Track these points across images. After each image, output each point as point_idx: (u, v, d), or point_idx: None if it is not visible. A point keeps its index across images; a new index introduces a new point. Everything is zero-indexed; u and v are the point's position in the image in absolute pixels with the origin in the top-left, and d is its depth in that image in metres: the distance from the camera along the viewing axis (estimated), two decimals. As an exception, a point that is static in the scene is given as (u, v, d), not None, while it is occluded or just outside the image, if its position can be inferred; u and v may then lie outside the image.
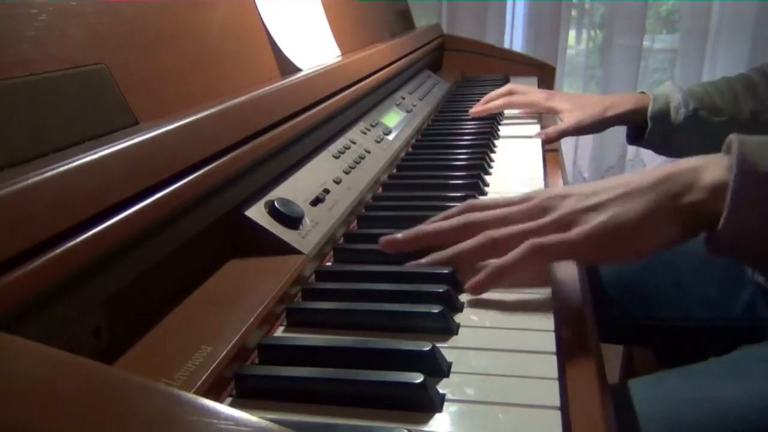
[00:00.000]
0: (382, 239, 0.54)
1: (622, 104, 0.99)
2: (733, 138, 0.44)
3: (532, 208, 0.51)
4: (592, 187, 0.50)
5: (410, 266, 0.52)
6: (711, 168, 0.45)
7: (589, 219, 0.47)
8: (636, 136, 1.02)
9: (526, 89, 1.12)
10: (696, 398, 0.63)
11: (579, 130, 1.01)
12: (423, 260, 0.52)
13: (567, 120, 1.01)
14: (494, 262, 0.48)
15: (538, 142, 0.97)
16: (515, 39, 1.99)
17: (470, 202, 0.56)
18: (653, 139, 0.98)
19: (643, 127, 0.98)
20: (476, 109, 1.14)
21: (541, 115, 1.13)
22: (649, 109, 0.96)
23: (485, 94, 1.14)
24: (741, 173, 0.42)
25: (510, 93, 1.12)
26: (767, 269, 0.48)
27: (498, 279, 0.47)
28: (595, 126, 1.00)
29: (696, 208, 0.45)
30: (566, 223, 0.48)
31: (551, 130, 1.01)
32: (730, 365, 0.68)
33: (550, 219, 0.49)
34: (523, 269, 0.47)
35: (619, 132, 1.08)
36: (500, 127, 1.08)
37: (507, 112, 1.20)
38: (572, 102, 1.04)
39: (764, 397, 0.62)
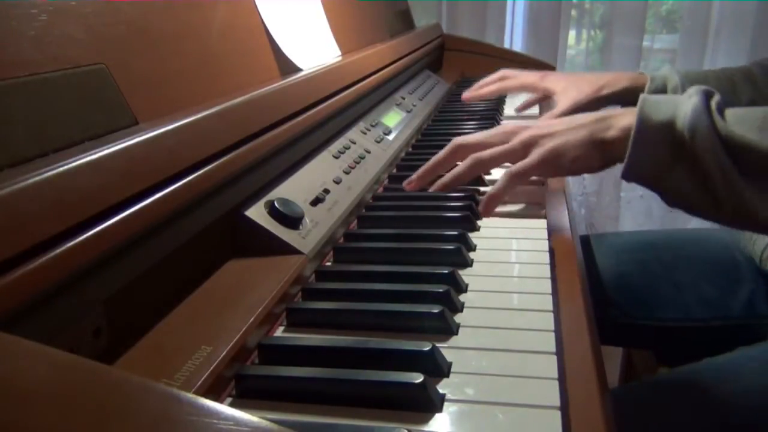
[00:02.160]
0: (405, 182, 0.70)
1: (618, 82, 0.97)
2: (641, 95, 0.58)
3: (504, 134, 0.66)
4: (547, 121, 0.65)
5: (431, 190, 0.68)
6: (626, 115, 0.59)
7: (544, 143, 0.62)
8: None
9: (518, 73, 1.10)
10: (695, 398, 0.63)
11: (575, 111, 0.97)
12: (431, 188, 0.67)
13: (562, 102, 0.98)
14: (488, 194, 0.64)
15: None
16: (515, 39, 1.98)
17: (456, 138, 0.70)
18: None
19: None
20: (468, 94, 1.13)
21: (541, 117, 1.13)
22: (646, 88, 0.94)
23: (485, 94, 1.13)
24: (639, 120, 0.56)
25: (502, 78, 1.11)
26: (665, 195, 0.57)
27: (495, 203, 0.63)
28: (591, 105, 0.97)
29: (613, 142, 0.59)
30: (528, 144, 0.63)
31: (546, 117, 0.98)
32: (728, 365, 0.68)
33: (518, 140, 0.64)
34: (507, 194, 0.63)
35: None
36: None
37: (507, 112, 1.20)
38: (566, 81, 1.02)
39: (762, 397, 0.62)
